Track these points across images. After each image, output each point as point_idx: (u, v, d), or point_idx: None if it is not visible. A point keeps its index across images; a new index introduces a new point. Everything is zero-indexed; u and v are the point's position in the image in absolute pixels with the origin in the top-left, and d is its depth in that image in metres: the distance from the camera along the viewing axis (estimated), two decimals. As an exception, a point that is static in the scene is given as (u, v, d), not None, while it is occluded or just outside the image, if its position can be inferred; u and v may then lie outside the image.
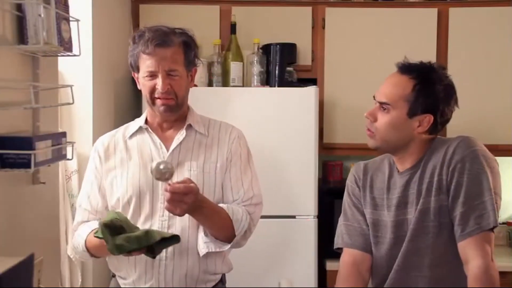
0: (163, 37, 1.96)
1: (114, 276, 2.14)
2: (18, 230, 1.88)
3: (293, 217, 3.26)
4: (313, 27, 3.64)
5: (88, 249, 2.02)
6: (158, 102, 1.99)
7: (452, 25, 3.64)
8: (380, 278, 2.00)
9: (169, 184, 1.78)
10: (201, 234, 1.96)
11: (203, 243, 1.95)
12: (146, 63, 1.97)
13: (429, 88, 1.90)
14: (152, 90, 1.98)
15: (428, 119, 1.90)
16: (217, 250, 1.95)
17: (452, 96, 1.94)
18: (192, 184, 1.80)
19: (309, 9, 3.65)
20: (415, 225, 1.90)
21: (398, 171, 1.99)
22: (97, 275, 2.96)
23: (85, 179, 2.15)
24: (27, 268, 1.59)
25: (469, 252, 1.82)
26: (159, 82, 1.96)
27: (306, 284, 3.22)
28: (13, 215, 1.84)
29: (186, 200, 1.77)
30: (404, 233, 1.93)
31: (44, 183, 2.02)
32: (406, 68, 1.93)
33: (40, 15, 1.85)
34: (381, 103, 1.93)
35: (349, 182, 2.12)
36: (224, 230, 1.94)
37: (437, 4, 3.67)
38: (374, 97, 1.97)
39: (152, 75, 1.97)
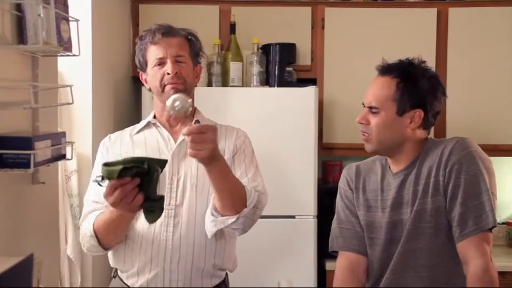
0: (169, 28, 2.05)
1: (115, 276, 2.14)
2: (17, 230, 1.88)
3: (293, 217, 3.26)
4: (312, 27, 3.64)
5: (96, 232, 1.97)
6: (168, 87, 2.00)
7: (452, 25, 3.63)
8: (375, 279, 2.01)
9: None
10: (208, 213, 1.93)
11: (210, 222, 1.92)
12: (155, 52, 2.03)
13: (413, 84, 1.92)
14: (162, 77, 2.01)
15: (419, 114, 1.93)
16: (225, 225, 1.90)
17: (437, 87, 1.97)
18: (210, 124, 1.75)
19: (308, 9, 3.64)
20: (411, 225, 1.91)
21: (391, 172, 2.01)
22: (96, 275, 2.96)
23: (92, 176, 2.15)
24: (27, 268, 1.58)
25: (468, 253, 1.83)
26: (168, 67, 2.00)
27: (306, 284, 3.22)
28: (12, 215, 1.84)
29: (207, 137, 1.71)
30: (400, 234, 1.94)
31: (43, 183, 2.02)
32: (386, 69, 1.97)
33: (39, 15, 1.85)
34: (369, 108, 1.95)
35: (341, 184, 2.13)
36: (235, 194, 1.88)
37: (437, 4, 3.66)
38: (363, 104, 2.00)
39: (161, 63, 2.02)
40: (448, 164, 1.87)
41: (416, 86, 1.92)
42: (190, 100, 1.80)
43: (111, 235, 1.99)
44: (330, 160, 3.82)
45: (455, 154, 1.88)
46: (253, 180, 2.01)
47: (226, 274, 2.15)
